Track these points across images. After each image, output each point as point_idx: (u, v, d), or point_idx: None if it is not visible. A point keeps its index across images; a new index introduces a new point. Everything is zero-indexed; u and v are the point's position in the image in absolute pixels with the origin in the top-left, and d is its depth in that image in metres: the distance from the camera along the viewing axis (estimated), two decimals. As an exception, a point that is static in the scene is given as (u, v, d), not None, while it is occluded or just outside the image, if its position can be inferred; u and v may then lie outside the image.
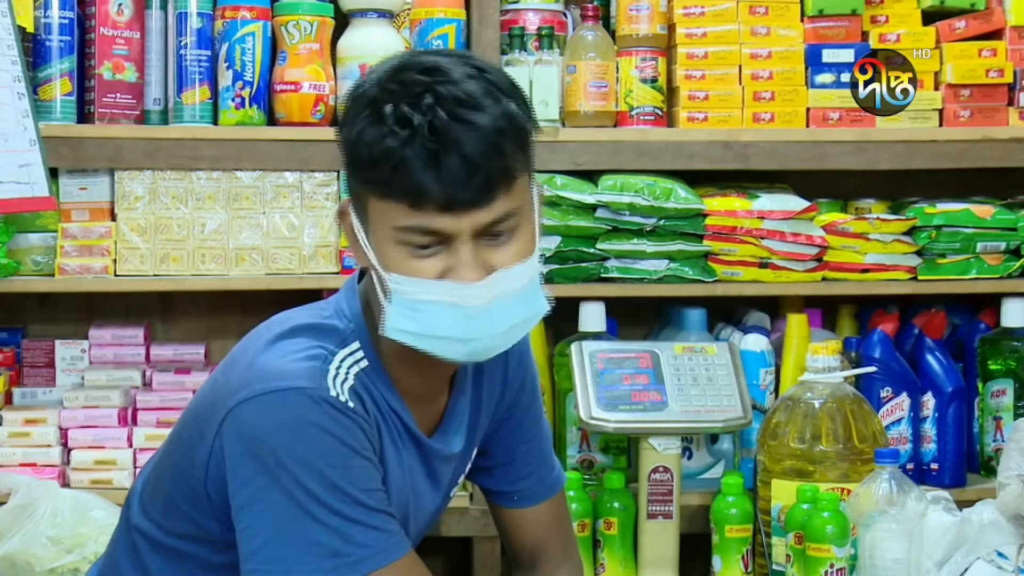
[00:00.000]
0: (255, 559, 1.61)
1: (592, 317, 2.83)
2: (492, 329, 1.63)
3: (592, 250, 2.83)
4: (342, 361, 1.67)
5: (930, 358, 2.90)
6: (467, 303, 1.59)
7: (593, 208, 2.82)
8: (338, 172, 2.83)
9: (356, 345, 1.69)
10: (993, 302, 2.97)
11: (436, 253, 1.59)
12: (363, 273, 1.77)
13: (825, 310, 3.05)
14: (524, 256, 1.62)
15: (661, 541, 2.69)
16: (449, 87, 1.56)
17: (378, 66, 1.64)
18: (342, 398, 1.63)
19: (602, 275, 2.86)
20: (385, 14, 2.91)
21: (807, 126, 2.90)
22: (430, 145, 1.54)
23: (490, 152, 1.56)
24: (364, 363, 1.69)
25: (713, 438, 2.92)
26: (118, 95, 2.80)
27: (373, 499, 1.62)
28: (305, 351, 1.66)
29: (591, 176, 2.86)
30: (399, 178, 1.55)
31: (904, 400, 2.85)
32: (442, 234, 1.58)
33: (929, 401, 2.88)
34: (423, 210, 1.56)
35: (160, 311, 3.11)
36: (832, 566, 2.45)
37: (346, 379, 1.65)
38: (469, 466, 1.91)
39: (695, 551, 2.80)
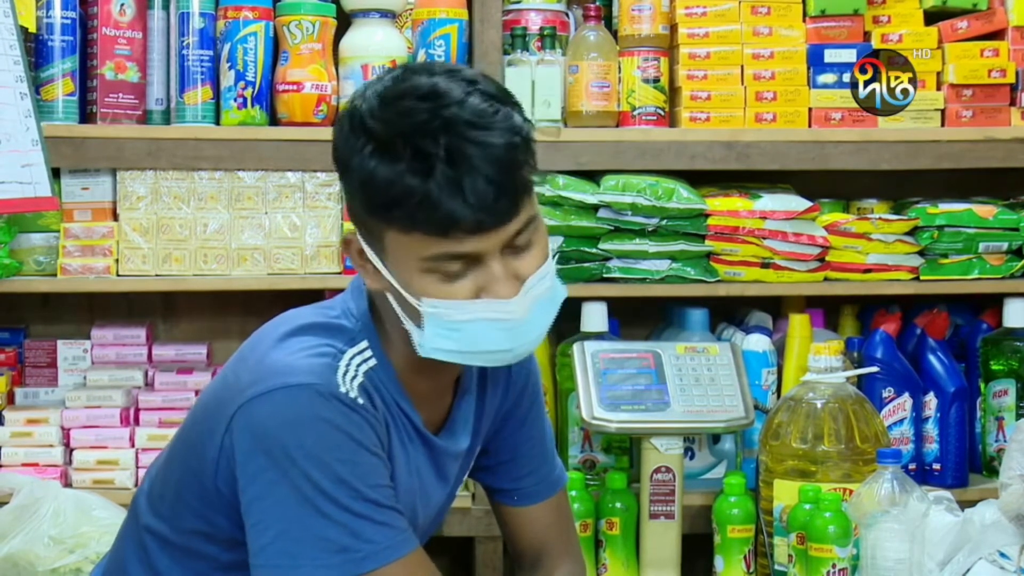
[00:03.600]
0: (264, 554, 1.61)
1: (594, 317, 2.83)
2: (531, 335, 1.65)
3: (594, 250, 2.83)
4: (351, 359, 1.67)
5: (932, 358, 2.90)
6: (508, 318, 1.61)
7: (595, 208, 2.82)
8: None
9: (364, 344, 1.70)
10: (995, 302, 2.97)
11: (466, 274, 1.60)
12: None
13: (827, 310, 3.05)
14: (545, 258, 1.64)
15: (663, 541, 2.69)
16: (453, 110, 1.55)
17: (362, 91, 1.62)
18: (352, 394, 1.63)
19: (604, 275, 2.86)
20: (387, 14, 2.91)
21: (809, 126, 2.90)
22: (451, 173, 1.53)
23: (509, 169, 1.56)
24: (372, 362, 1.69)
25: (715, 438, 2.92)
26: (120, 95, 2.81)
27: (382, 495, 1.62)
28: (314, 348, 1.66)
29: (593, 176, 2.86)
30: (425, 212, 1.54)
31: (906, 400, 2.85)
32: (471, 256, 1.58)
33: (931, 401, 2.88)
34: (453, 237, 1.56)
35: (162, 311, 3.11)
36: (834, 566, 2.45)
37: (355, 376, 1.66)
38: (472, 463, 1.91)
39: (697, 551, 2.80)
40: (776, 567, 2.61)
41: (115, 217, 2.81)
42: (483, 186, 1.54)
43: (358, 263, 1.68)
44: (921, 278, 2.90)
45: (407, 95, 1.58)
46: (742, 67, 2.90)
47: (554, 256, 1.67)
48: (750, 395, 2.73)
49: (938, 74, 2.93)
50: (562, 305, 1.70)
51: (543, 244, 1.64)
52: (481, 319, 1.60)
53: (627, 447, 2.89)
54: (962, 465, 2.88)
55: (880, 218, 2.91)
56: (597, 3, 2.96)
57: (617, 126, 2.92)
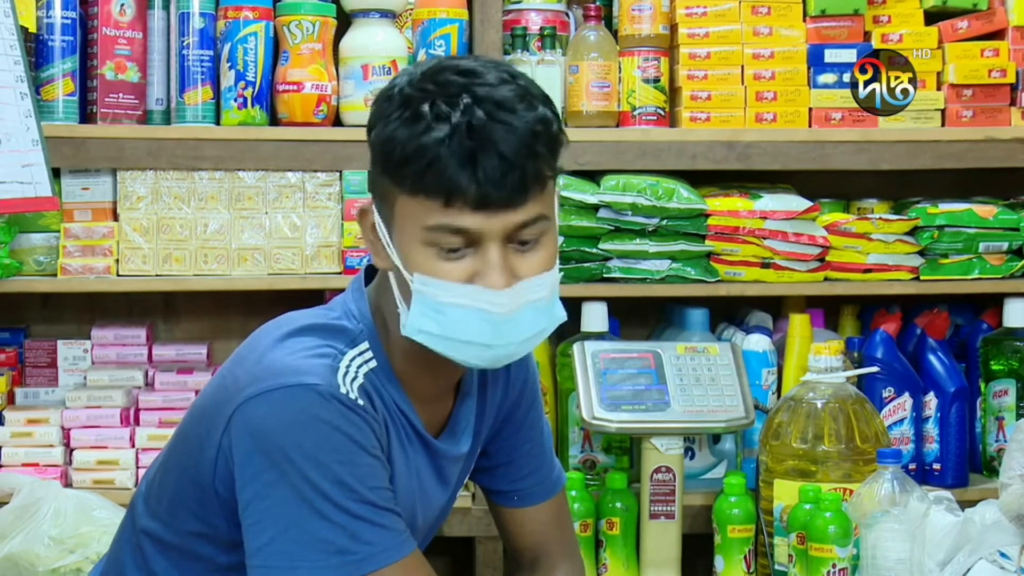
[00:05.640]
0: (261, 555, 1.61)
1: (595, 317, 2.83)
2: (513, 337, 1.63)
3: (594, 250, 2.83)
4: (352, 360, 1.67)
5: (932, 358, 2.90)
6: (492, 309, 1.60)
7: (595, 208, 2.82)
8: (340, 172, 2.83)
9: (365, 345, 1.70)
10: (995, 302, 2.97)
11: (464, 256, 1.60)
12: (370, 275, 1.77)
13: (827, 310, 3.05)
14: (548, 266, 1.64)
15: (663, 541, 2.69)
16: (487, 89, 1.58)
17: (409, 69, 1.65)
18: (352, 395, 1.63)
19: (604, 275, 2.86)
20: (387, 14, 2.91)
21: (809, 126, 2.90)
22: (467, 143, 1.55)
23: (525, 152, 1.57)
24: (373, 363, 1.69)
25: (715, 438, 2.92)
26: (120, 95, 2.81)
27: (380, 497, 1.62)
28: (315, 349, 1.66)
29: (593, 176, 2.86)
30: (434, 175, 1.56)
31: (906, 400, 2.85)
32: (472, 234, 1.58)
33: (931, 401, 2.88)
34: (456, 208, 1.57)
35: (162, 311, 3.11)
36: (834, 566, 2.45)
37: (356, 377, 1.66)
38: (473, 465, 1.91)
39: (697, 551, 2.80)
40: (776, 567, 2.61)
41: (115, 217, 2.81)
42: (495, 162, 1.55)
43: (369, 238, 1.69)
44: (921, 278, 2.90)
45: (446, 70, 1.61)
46: (742, 67, 2.90)
47: (559, 275, 1.66)
48: (750, 395, 2.73)
49: (938, 74, 2.93)
50: (562, 305, 1.69)
51: (550, 252, 1.64)
52: (466, 305, 1.60)
53: (627, 447, 2.89)
54: (962, 465, 2.88)
55: (880, 218, 2.91)
56: (597, 3, 2.96)
57: (617, 126, 2.92)
